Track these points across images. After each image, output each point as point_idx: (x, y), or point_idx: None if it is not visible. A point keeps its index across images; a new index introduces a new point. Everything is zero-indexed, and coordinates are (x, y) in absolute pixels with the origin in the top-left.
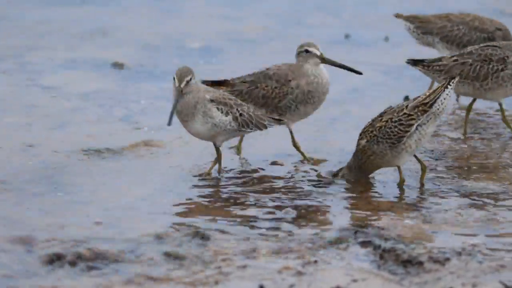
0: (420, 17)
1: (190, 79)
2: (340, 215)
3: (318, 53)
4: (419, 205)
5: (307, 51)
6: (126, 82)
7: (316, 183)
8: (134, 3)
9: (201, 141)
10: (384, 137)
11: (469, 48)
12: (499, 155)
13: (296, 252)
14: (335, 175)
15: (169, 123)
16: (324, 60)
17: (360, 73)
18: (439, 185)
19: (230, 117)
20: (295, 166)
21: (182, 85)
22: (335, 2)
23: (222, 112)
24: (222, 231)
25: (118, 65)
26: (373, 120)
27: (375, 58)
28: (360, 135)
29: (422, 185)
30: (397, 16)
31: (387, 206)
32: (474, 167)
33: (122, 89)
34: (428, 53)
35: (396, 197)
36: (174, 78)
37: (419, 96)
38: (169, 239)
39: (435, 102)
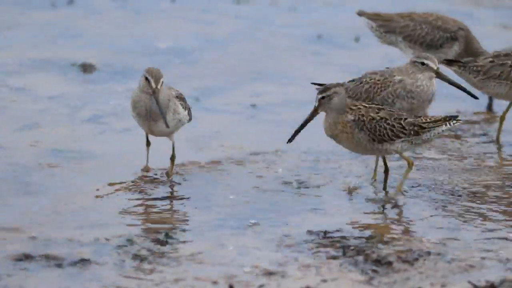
0: (382, 15)
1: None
2: (310, 216)
3: (435, 68)
4: (390, 205)
5: (423, 63)
6: (95, 83)
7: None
8: (103, 5)
9: (166, 140)
10: (369, 129)
11: (503, 50)
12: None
13: (265, 251)
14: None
15: (168, 126)
16: (439, 75)
17: (476, 98)
18: (414, 187)
19: (186, 112)
20: (267, 166)
21: (159, 86)
22: (306, 3)
23: (183, 108)
24: (187, 231)
25: (87, 66)
26: (369, 107)
27: (346, 58)
28: (351, 108)
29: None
30: (360, 13)
31: (358, 206)
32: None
33: (91, 90)
34: (397, 53)
35: (368, 197)
36: (147, 79)
37: (420, 116)
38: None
39: (430, 131)
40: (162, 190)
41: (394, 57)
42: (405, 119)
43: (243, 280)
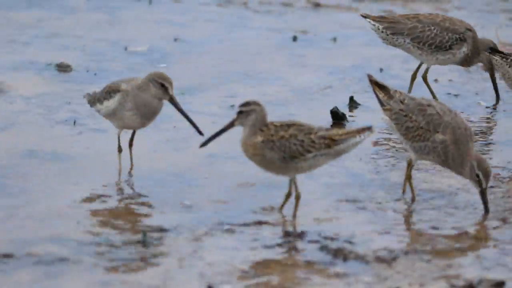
0: (389, 17)
1: None
2: (285, 216)
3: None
4: (367, 205)
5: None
6: (71, 85)
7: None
8: (79, 7)
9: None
10: (280, 148)
11: None
12: None
13: (244, 250)
14: None
15: (202, 133)
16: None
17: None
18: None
19: None
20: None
21: (174, 92)
22: (279, 6)
23: None
24: (165, 230)
25: (63, 67)
26: (280, 125)
27: (323, 59)
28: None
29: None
30: (364, 16)
31: (334, 206)
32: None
33: (67, 92)
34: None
35: (344, 198)
36: (163, 86)
37: (331, 129)
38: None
39: (341, 143)
40: (139, 192)
41: (369, 56)
42: (316, 133)
43: (219, 278)
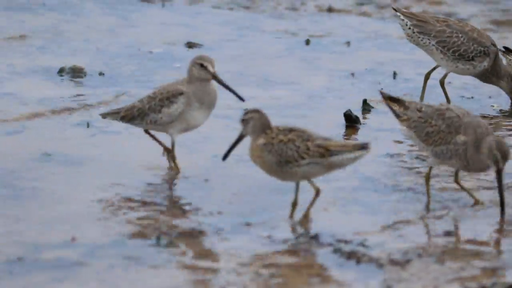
0: (418, 15)
1: None
2: (298, 217)
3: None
4: (380, 209)
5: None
6: (84, 88)
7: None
8: (90, 10)
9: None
10: (277, 152)
11: None
12: None
13: (255, 252)
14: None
15: (244, 99)
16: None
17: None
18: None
19: None
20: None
21: (216, 69)
22: (292, 10)
23: None
24: (179, 231)
25: (76, 70)
26: (283, 129)
27: (336, 63)
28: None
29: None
30: (396, 9)
31: (348, 210)
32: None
33: (80, 94)
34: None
35: (357, 201)
36: (203, 65)
37: (331, 139)
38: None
39: (335, 155)
40: (155, 194)
41: (382, 60)
42: (313, 140)
43: (231, 280)
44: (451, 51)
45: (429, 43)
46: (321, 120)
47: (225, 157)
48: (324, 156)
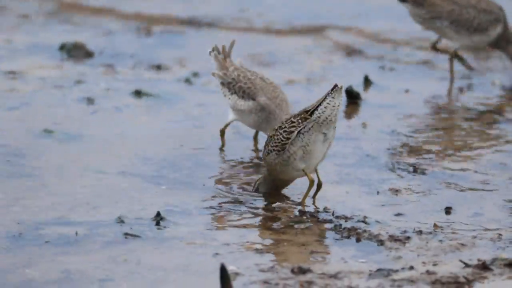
0: (426, 1)
1: None
2: (300, 198)
3: None
4: (380, 186)
5: None
6: (86, 65)
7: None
8: None
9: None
10: (272, 146)
11: None
12: None
13: (257, 230)
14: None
15: None
16: None
17: None
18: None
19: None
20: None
21: None
22: None
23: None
24: (178, 211)
25: (77, 47)
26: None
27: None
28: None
29: (303, 200)
30: (403, 0)
31: (348, 187)
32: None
33: (82, 71)
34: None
35: (358, 179)
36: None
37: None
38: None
39: (316, 110)
40: (154, 172)
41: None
42: (296, 115)
43: (236, 257)
44: (465, 28)
45: (442, 25)
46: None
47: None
48: (306, 118)
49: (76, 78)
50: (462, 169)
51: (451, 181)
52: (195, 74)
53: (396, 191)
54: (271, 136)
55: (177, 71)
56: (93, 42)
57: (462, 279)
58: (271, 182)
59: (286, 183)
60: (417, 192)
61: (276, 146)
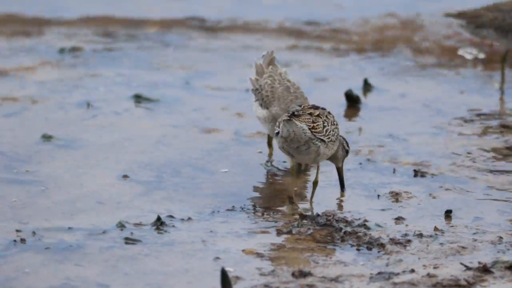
0: (468, 12)
1: None
2: (301, 202)
3: None
4: (380, 190)
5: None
6: (83, 68)
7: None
8: None
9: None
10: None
11: None
12: None
13: (258, 235)
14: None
15: None
16: None
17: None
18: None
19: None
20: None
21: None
22: None
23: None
24: (179, 215)
25: (76, 50)
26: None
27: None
28: None
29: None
30: (447, 15)
31: (347, 192)
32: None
33: (80, 75)
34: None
35: (358, 182)
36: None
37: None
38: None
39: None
40: (154, 177)
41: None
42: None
43: (236, 261)
44: (510, 32)
45: (488, 32)
46: (322, 99)
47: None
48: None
49: None
50: (463, 172)
51: (452, 185)
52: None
53: (396, 195)
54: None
55: (174, 69)
56: None
57: (463, 282)
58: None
59: None
60: (418, 196)
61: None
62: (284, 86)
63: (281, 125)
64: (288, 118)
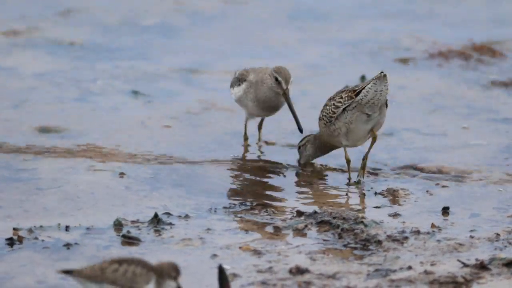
0: None
1: None
2: (298, 199)
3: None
4: (376, 187)
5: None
6: (82, 62)
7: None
8: None
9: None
10: (323, 115)
11: None
12: None
13: (255, 232)
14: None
15: (301, 131)
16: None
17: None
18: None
19: None
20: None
21: (289, 86)
22: None
23: None
24: (177, 212)
25: (74, 44)
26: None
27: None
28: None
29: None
30: None
31: (345, 189)
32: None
33: (78, 68)
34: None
35: (354, 180)
36: (277, 80)
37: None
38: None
39: (360, 92)
40: (150, 172)
41: (380, 28)
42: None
43: (233, 258)
44: None
45: None
46: (320, 93)
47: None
48: (352, 97)
49: None
50: (460, 169)
51: (449, 181)
52: None
53: (393, 192)
54: (324, 105)
55: (172, 62)
56: None
57: (460, 279)
58: (319, 144)
59: (324, 151)
60: (415, 193)
61: (325, 117)
62: None
63: (369, 85)
64: (384, 74)
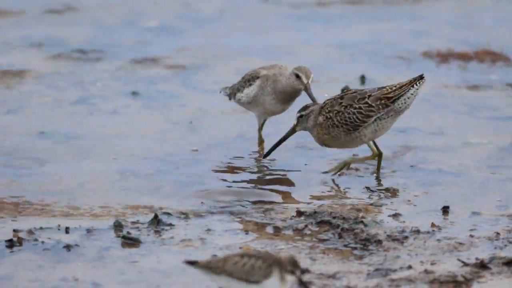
0: None
1: None
2: (297, 198)
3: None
4: (377, 187)
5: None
6: (82, 63)
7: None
8: None
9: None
10: (340, 122)
11: None
12: None
13: (255, 233)
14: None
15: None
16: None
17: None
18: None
19: None
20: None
21: (310, 81)
22: None
23: None
24: (177, 212)
25: (74, 46)
26: (334, 99)
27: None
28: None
29: (378, 171)
30: None
31: (346, 187)
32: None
33: (77, 70)
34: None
35: (355, 179)
36: (298, 76)
37: (384, 87)
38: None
39: (398, 99)
40: (151, 172)
41: (378, 31)
42: (369, 96)
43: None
44: None
45: None
46: (319, 94)
47: (267, 155)
48: (388, 105)
49: None
50: (460, 168)
51: (449, 180)
52: None
53: (393, 191)
54: (337, 112)
55: (172, 63)
56: None
57: (460, 278)
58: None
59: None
60: (415, 192)
61: (347, 124)
62: None
63: (411, 91)
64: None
